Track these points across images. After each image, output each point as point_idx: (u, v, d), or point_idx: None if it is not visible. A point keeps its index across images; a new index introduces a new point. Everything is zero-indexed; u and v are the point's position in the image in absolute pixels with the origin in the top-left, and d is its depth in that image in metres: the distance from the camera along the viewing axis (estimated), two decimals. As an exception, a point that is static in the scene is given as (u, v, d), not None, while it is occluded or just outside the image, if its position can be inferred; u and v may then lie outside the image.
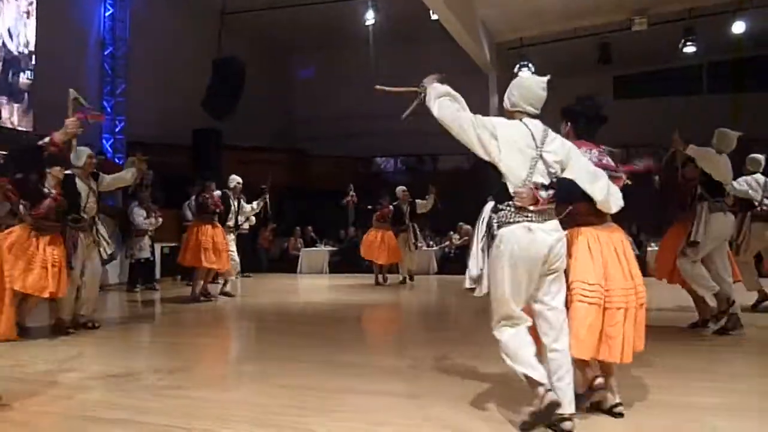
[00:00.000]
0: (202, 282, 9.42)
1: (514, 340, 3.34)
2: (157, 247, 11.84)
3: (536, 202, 3.29)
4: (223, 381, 4.71)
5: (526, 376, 3.27)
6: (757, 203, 7.24)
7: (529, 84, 3.66)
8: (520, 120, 3.49)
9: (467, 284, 3.67)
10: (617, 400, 3.55)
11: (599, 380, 3.47)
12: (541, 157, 3.36)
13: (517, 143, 3.37)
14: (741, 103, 18.92)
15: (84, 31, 14.57)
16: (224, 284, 9.94)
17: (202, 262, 9.02)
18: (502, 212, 3.37)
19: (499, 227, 3.37)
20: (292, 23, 18.50)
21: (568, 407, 3.26)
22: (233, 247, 9.78)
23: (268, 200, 10.41)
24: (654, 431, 3.44)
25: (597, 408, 3.58)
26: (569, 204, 3.49)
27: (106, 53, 14.91)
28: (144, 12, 15.38)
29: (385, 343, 6.61)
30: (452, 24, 11.62)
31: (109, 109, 14.89)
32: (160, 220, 11.17)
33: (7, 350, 5.33)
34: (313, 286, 12.74)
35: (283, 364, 5.18)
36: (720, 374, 4.66)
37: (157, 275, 11.94)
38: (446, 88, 3.73)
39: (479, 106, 14.10)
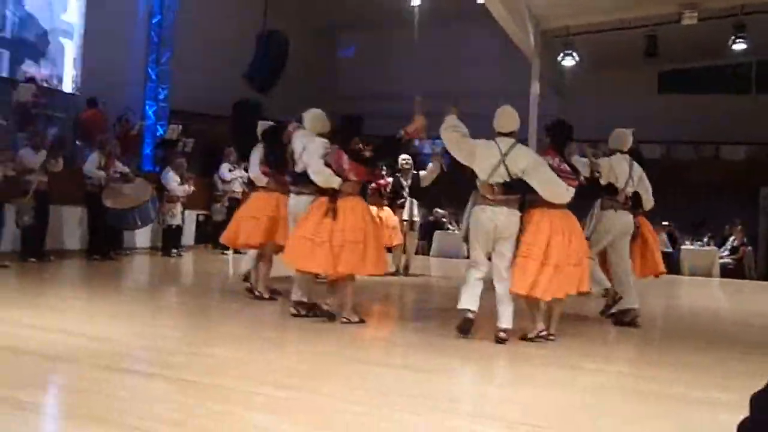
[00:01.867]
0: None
1: (468, 277, 5.18)
2: (191, 214, 11.99)
3: (492, 192, 5.08)
4: (246, 343, 4.86)
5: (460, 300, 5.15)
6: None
7: (500, 114, 5.31)
8: (494, 139, 5.19)
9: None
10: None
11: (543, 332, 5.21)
12: (503, 163, 5.02)
13: (486, 155, 5.10)
14: (789, 104, 18.52)
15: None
16: None
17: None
18: (475, 198, 5.24)
19: (471, 207, 5.24)
20: (337, 1, 18.56)
21: (504, 323, 5.07)
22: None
23: None
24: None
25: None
26: (522, 195, 5.16)
27: (153, 22, 15.13)
28: (193, -18, 15.57)
29: (401, 316, 6.71)
30: (497, 8, 11.56)
31: (153, 77, 15.14)
32: (193, 188, 11.34)
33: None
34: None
35: (302, 332, 5.32)
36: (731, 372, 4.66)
37: (191, 242, 12.16)
38: (453, 120, 5.40)
39: (520, 92, 14.08)
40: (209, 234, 12.62)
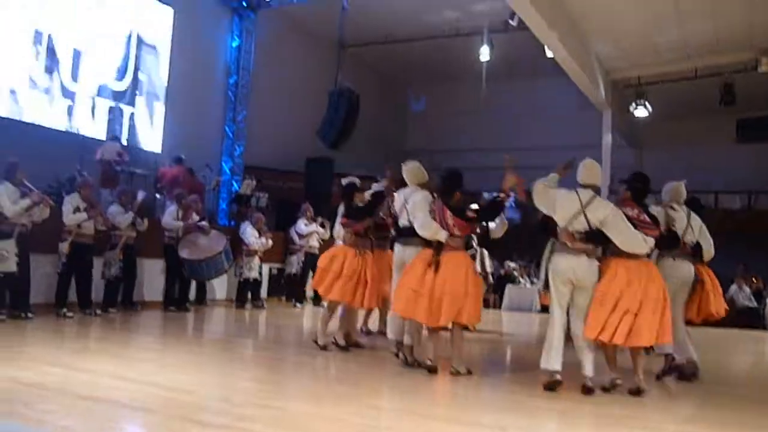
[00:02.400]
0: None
1: (550, 335, 5.25)
2: (265, 267, 12.21)
3: (572, 240, 5.21)
4: (317, 397, 4.86)
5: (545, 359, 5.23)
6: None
7: (584, 166, 5.48)
8: (575, 189, 5.34)
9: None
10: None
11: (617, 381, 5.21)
12: (583, 213, 5.19)
13: (567, 204, 5.27)
14: None
15: (212, 60, 15.51)
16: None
17: None
18: (552, 247, 5.44)
19: (549, 255, 5.44)
20: (408, 57, 18.93)
21: (588, 371, 5.16)
22: None
23: None
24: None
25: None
26: (600, 244, 5.28)
27: (230, 81, 15.78)
28: (268, 43, 16.20)
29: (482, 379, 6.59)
30: (567, 61, 11.53)
31: (230, 134, 15.72)
32: (271, 241, 11.55)
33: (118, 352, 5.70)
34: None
35: (378, 387, 5.29)
36: None
37: (264, 294, 12.36)
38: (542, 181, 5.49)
39: (593, 143, 14.00)
40: (283, 287, 12.83)
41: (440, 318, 5.44)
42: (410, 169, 6.35)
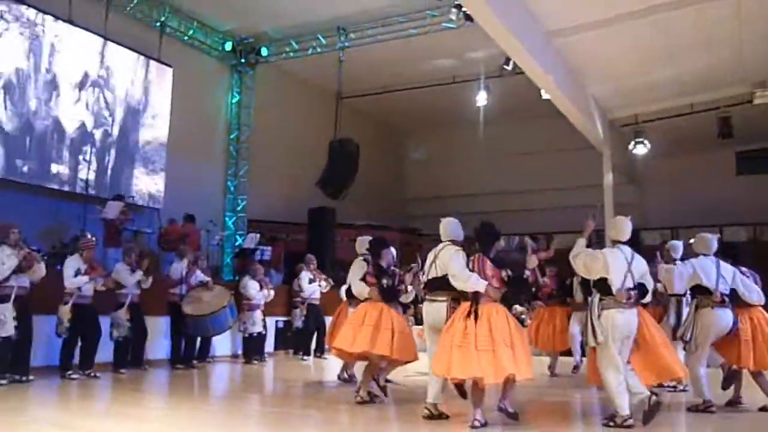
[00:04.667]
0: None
1: (618, 383, 5.45)
2: (270, 320, 12.10)
3: (628, 297, 5.52)
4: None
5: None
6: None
7: (618, 223, 5.84)
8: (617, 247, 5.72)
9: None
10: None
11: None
12: (629, 270, 5.57)
13: (617, 265, 5.58)
14: None
15: (213, 117, 15.68)
16: None
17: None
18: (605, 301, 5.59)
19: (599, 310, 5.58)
20: (405, 105, 19.11)
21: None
22: None
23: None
24: None
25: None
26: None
27: (231, 137, 15.92)
28: (268, 98, 16.37)
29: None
30: (563, 102, 11.62)
31: (232, 189, 15.79)
32: (272, 293, 11.47)
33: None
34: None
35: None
36: None
37: (271, 348, 12.23)
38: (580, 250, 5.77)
39: (594, 183, 14.02)
40: (289, 340, 12.71)
41: (498, 372, 5.18)
42: (448, 224, 6.24)
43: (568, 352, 9.90)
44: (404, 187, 23.38)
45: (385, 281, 6.71)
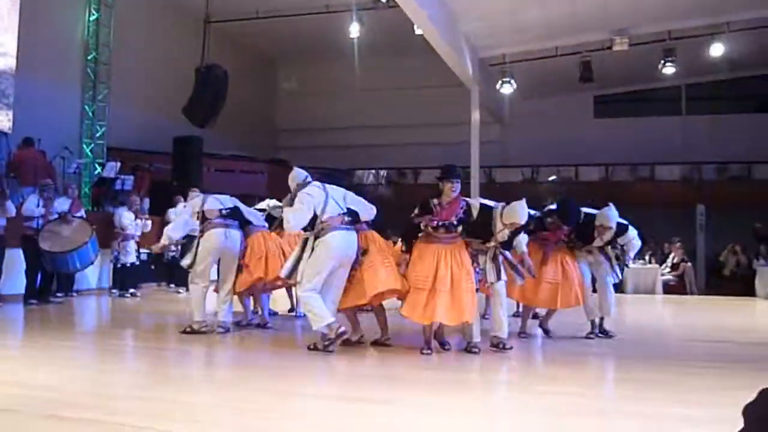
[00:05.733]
0: None
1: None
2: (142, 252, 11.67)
3: None
4: (197, 385, 4.70)
5: None
6: None
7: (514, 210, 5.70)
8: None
9: None
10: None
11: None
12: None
13: None
14: (718, 125, 19.27)
15: (67, 35, 14.50)
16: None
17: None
18: None
19: None
20: (277, 34, 18.60)
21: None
22: None
23: None
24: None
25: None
26: None
27: (89, 58, 14.82)
28: (129, 18, 15.35)
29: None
30: (436, 39, 11.71)
31: (90, 114, 14.81)
32: (149, 223, 11.07)
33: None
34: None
35: (263, 370, 5.18)
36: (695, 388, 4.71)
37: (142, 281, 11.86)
38: None
39: (461, 120, 14.32)
40: (163, 272, 12.32)
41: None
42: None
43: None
44: (274, 117, 22.99)
45: None
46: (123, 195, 11.49)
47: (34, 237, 9.16)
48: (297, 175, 5.92)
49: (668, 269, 14.31)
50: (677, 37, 14.35)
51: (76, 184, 13.50)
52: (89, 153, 14.66)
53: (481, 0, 12.07)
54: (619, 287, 13.54)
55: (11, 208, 8.84)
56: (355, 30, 15.49)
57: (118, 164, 12.99)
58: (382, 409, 4.01)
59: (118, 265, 10.79)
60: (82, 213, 9.88)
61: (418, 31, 12.78)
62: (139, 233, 10.93)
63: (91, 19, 14.85)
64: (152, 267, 12.32)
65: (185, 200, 11.29)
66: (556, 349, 6.34)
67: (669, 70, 15.13)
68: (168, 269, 12.06)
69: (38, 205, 9.30)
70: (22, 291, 9.36)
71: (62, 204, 9.56)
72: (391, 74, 20.49)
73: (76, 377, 4.80)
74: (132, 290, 10.85)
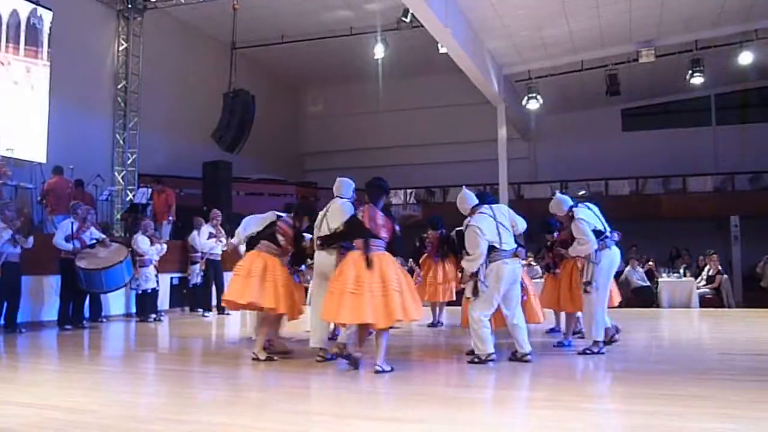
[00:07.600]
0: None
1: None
2: (164, 277, 11.76)
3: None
4: (227, 407, 4.70)
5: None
6: None
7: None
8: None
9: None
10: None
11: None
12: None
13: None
14: (749, 134, 18.96)
15: (98, 66, 14.80)
16: None
17: None
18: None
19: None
20: (302, 57, 18.77)
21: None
22: None
23: None
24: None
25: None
26: None
27: (119, 87, 15.11)
28: (158, 47, 15.63)
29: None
30: (460, 57, 11.74)
31: (121, 142, 15.07)
32: (165, 247, 11.12)
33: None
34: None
35: (289, 391, 5.16)
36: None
37: (166, 305, 11.93)
38: None
39: (488, 137, 14.28)
40: (185, 297, 12.41)
41: (393, 315, 5.48)
42: (338, 183, 6.54)
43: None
44: (301, 140, 23.14)
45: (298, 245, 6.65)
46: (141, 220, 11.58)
47: (71, 260, 9.30)
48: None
49: (704, 282, 14.02)
50: (704, 47, 14.21)
51: (108, 211, 13.76)
52: (121, 180, 14.90)
53: (505, 17, 12.07)
54: (653, 301, 13.43)
55: (30, 242, 8.94)
56: (379, 51, 15.57)
57: (150, 191, 13.15)
58: (417, 428, 3.97)
59: (139, 291, 10.78)
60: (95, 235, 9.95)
61: (442, 50, 12.80)
62: (157, 258, 10.93)
63: (120, 49, 15.16)
64: (184, 291, 12.44)
65: (206, 223, 11.45)
66: (589, 364, 6.22)
67: (697, 80, 14.94)
68: (192, 294, 12.14)
69: (69, 238, 9.38)
70: (55, 317, 9.51)
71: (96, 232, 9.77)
72: (417, 94, 20.54)
73: (109, 401, 4.82)
74: (153, 315, 10.82)
